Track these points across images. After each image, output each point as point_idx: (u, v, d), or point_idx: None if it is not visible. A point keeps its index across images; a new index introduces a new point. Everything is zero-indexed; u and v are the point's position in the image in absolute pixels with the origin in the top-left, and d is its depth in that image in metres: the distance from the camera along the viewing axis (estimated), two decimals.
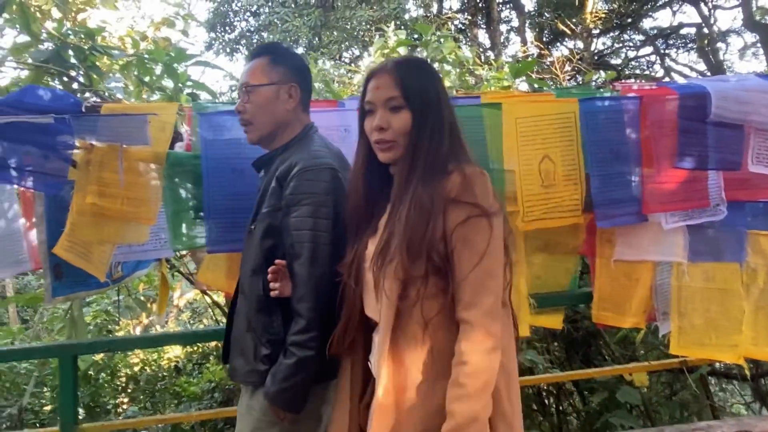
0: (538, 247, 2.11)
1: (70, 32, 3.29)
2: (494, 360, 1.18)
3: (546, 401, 3.88)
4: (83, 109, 1.97)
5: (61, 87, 3.22)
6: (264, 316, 1.51)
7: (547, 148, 1.96)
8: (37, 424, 3.65)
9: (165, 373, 5.10)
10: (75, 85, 3.28)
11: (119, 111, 1.88)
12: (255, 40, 10.93)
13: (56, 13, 4.63)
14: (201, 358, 5.32)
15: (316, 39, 9.88)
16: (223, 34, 10.87)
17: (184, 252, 3.03)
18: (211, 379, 5.08)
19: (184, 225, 2.05)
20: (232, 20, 10.93)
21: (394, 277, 1.24)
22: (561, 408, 3.82)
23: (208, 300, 4.08)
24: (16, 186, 2.20)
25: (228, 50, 10.41)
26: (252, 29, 11.04)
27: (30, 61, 3.20)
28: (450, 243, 1.23)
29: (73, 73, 3.25)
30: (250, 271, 1.56)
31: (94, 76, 3.25)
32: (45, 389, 4.14)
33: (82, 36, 3.29)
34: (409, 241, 1.22)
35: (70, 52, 3.24)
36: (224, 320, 4.12)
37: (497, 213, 1.25)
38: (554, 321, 2.16)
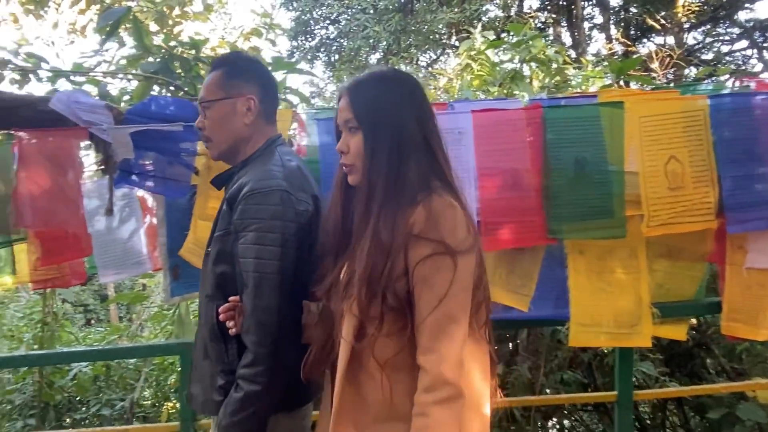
0: (661, 253, 1.99)
1: (177, 44, 3.45)
2: (454, 411, 1.10)
3: (644, 416, 3.69)
4: None
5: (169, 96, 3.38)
6: (218, 344, 1.45)
7: (673, 148, 1.85)
8: (143, 418, 3.84)
9: None
10: (180, 95, 3.43)
11: None
12: (335, 47, 11.14)
13: (153, 27, 4.89)
14: None
15: (395, 44, 9.92)
16: (304, 42, 11.16)
17: None
18: None
19: None
20: (312, 28, 11.18)
21: (351, 314, 1.18)
22: (664, 424, 3.62)
23: None
24: (138, 190, 2.33)
25: (309, 58, 10.68)
26: (331, 36, 11.27)
27: (136, 72, 3.39)
28: (411, 281, 1.15)
29: (178, 83, 3.39)
30: (205, 297, 1.51)
31: (199, 86, 3.40)
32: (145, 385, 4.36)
33: (188, 47, 3.44)
34: (368, 279, 1.15)
35: (176, 63, 3.39)
36: None
37: (467, 251, 1.15)
38: (678, 332, 2.03)
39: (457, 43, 10.28)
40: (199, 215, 2.02)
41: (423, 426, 1.09)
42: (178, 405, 3.20)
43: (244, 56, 1.67)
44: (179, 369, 2.69)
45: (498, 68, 4.82)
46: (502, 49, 5.35)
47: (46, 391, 3.66)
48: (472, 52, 5.29)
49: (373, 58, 11.22)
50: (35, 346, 3.88)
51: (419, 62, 10.68)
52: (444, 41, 10.39)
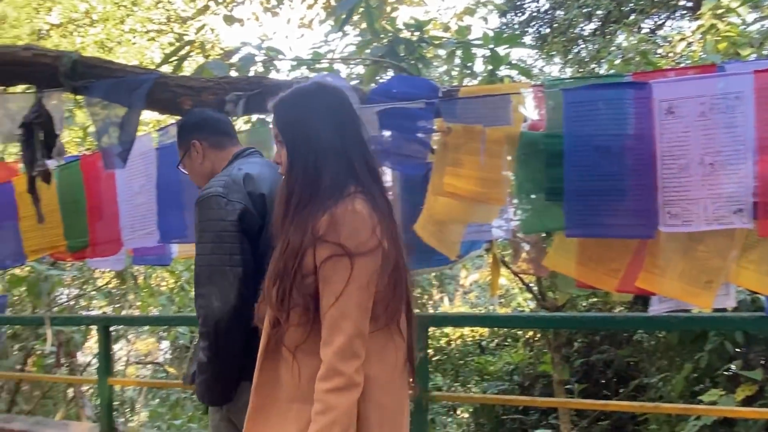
0: None
1: (403, 26, 3.56)
2: (344, 399, 1.22)
3: None
4: (440, 94, 2.07)
5: None
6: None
7: None
8: None
9: (470, 349, 5.29)
10: None
11: (480, 93, 1.91)
12: (546, 20, 10.63)
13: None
14: (502, 339, 5.42)
15: (616, 10, 9.12)
16: (513, 18, 10.82)
17: None
18: (509, 362, 5.14)
19: (532, 207, 2.01)
20: (522, 3, 10.78)
21: (269, 306, 1.34)
22: None
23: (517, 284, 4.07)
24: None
25: (518, 33, 10.32)
26: (542, 9, 10.76)
27: (365, 57, 3.56)
28: (318, 280, 1.28)
29: (403, 65, 3.49)
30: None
31: (421, 67, 3.47)
32: None
33: (413, 29, 3.52)
34: (280, 277, 1.29)
35: (401, 47, 3.50)
36: (532, 305, 4.10)
37: (367, 252, 1.25)
38: None
39: (689, 4, 9.11)
40: (434, 191, 2.05)
41: (318, 410, 1.23)
42: None
43: (184, 117, 2.07)
44: None
45: (754, 27, 4.17)
46: (753, 3, 4.63)
47: None
48: (718, 11, 4.64)
49: (588, 29, 10.48)
50: None
51: (641, 29, 9.69)
52: (672, 3, 9.28)
